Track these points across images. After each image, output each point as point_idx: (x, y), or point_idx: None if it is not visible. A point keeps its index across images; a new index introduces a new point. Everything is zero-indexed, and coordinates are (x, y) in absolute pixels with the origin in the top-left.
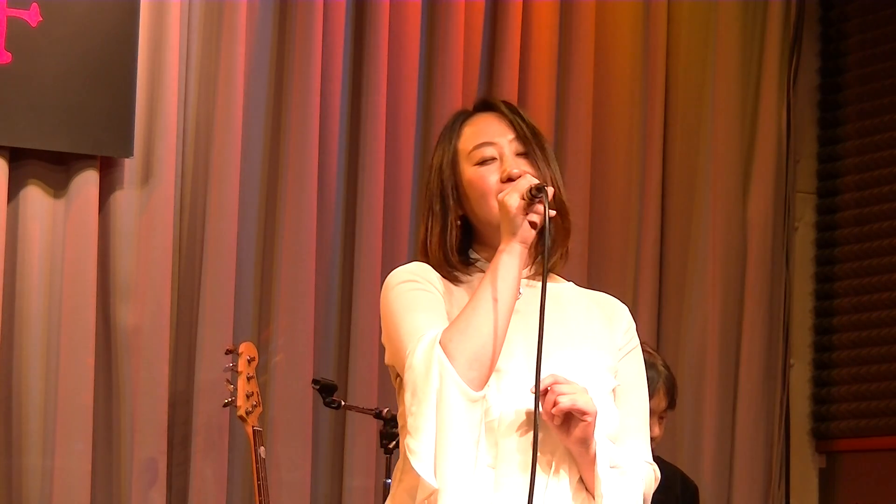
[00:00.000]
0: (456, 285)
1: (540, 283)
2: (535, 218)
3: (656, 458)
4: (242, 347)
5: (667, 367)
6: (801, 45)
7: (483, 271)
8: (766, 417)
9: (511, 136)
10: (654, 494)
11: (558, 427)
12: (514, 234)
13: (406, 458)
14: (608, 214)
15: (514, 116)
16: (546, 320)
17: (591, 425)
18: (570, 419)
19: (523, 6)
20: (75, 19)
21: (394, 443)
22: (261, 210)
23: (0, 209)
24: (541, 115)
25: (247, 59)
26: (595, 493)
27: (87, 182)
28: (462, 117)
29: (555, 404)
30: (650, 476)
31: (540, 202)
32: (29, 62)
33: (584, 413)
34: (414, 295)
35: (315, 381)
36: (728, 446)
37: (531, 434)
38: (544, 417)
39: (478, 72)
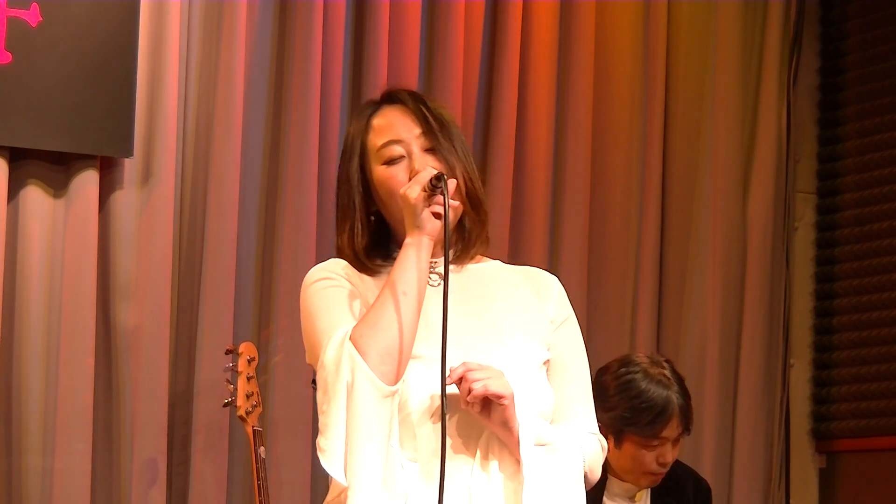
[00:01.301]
0: (374, 277)
1: (463, 268)
2: (439, 209)
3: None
4: (242, 347)
5: (682, 392)
6: (801, 45)
7: None
8: (766, 417)
9: (418, 131)
10: (666, 497)
11: (479, 413)
12: (418, 226)
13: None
14: (608, 214)
15: (421, 109)
16: (470, 301)
17: (509, 408)
18: (489, 404)
19: (523, 6)
20: (75, 19)
21: None
22: (261, 210)
23: (0, 209)
24: (541, 115)
25: (247, 59)
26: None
27: (87, 182)
28: (370, 111)
29: (469, 392)
30: (595, 448)
31: (435, 183)
32: (29, 62)
33: (499, 397)
34: (328, 293)
35: (315, 381)
36: (728, 446)
37: (450, 422)
38: (462, 405)
39: (478, 72)
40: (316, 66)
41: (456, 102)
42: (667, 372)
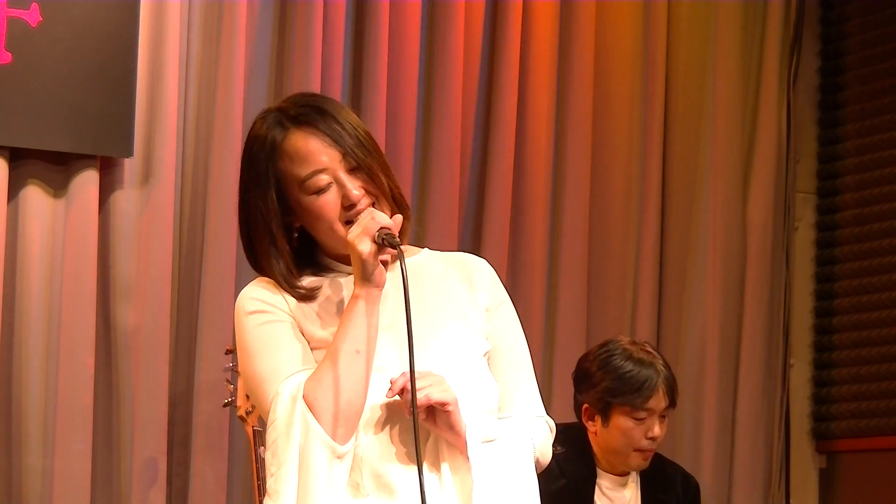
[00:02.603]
0: (309, 300)
1: (393, 266)
2: (388, 257)
3: (656, 456)
4: None
5: (666, 366)
6: (801, 45)
7: (334, 271)
8: (766, 417)
9: (338, 154)
10: (656, 494)
11: (424, 420)
12: (368, 279)
13: None
14: (608, 214)
15: (334, 128)
16: (403, 301)
17: (453, 413)
18: (434, 410)
19: (523, 6)
20: (75, 19)
21: None
22: None
23: (0, 209)
24: (541, 115)
25: (247, 59)
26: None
27: (87, 182)
28: (277, 136)
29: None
30: (544, 431)
31: (390, 244)
32: (29, 62)
33: (442, 404)
34: (266, 330)
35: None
36: (728, 446)
37: (393, 431)
38: (406, 415)
39: (478, 72)
40: (316, 66)
41: (456, 102)
42: (648, 348)
